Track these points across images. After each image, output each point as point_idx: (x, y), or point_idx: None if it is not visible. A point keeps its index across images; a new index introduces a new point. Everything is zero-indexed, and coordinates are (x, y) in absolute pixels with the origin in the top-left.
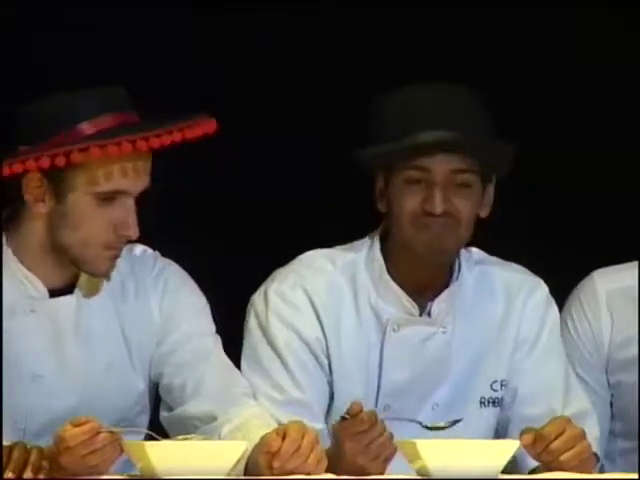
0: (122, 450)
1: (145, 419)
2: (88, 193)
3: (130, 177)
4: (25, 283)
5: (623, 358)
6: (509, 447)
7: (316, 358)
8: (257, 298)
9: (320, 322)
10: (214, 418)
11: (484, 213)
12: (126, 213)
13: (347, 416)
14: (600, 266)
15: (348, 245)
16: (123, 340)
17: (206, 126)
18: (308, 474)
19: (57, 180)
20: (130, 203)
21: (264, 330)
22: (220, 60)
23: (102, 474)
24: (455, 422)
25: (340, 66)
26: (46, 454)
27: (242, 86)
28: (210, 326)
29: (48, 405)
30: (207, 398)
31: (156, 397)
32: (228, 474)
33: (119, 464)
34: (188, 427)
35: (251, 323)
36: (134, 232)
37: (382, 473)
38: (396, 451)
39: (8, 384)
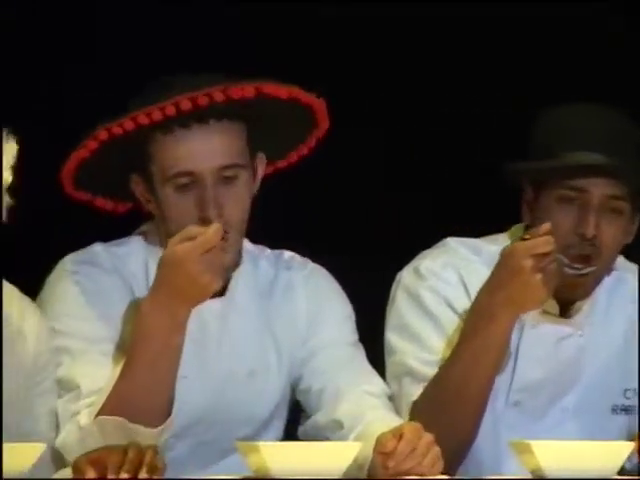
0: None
1: (279, 423)
2: (164, 182)
3: (194, 156)
4: None
5: None
6: (624, 449)
7: None
8: (406, 274)
9: (471, 300)
10: (342, 427)
11: (628, 240)
12: (201, 195)
13: (528, 237)
14: None
15: (489, 237)
16: (272, 343)
17: (258, 88)
18: (422, 475)
19: (147, 177)
20: (206, 184)
21: (415, 299)
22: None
23: None
24: None
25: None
26: None
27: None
28: (353, 334)
29: (188, 407)
30: (340, 407)
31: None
32: (349, 475)
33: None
34: (319, 437)
35: (399, 296)
36: (212, 213)
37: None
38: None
39: None
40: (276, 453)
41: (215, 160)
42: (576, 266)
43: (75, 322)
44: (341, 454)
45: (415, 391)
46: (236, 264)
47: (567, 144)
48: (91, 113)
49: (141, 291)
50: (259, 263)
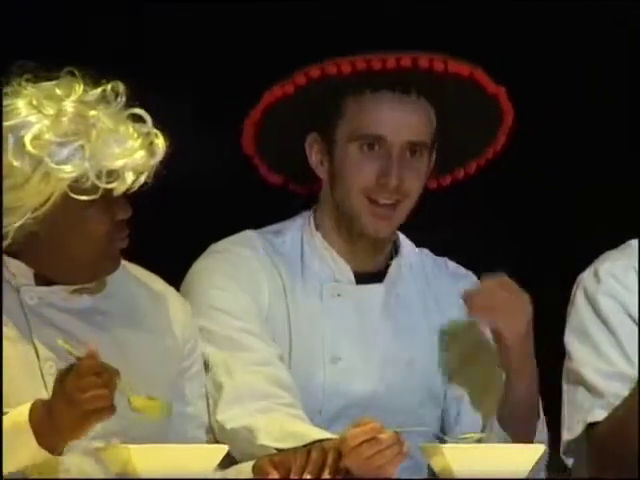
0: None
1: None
2: (350, 140)
3: (390, 124)
4: (332, 267)
5: None
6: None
7: None
8: (587, 276)
9: None
10: None
11: None
12: (387, 161)
13: None
14: None
15: None
16: (435, 340)
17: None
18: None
19: (328, 136)
20: (394, 153)
21: (594, 307)
22: None
23: (390, 475)
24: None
25: None
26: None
27: None
28: None
29: (345, 389)
30: None
31: None
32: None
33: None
34: None
35: (579, 299)
36: (394, 180)
37: None
38: None
39: (309, 365)
40: (459, 455)
41: (408, 133)
42: None
43: (224, 294)
44: (524, 456)
45: (588, 405)
46: (392, 252)
47: None
48: None
49: (295, 274)
50: (425, 262)
